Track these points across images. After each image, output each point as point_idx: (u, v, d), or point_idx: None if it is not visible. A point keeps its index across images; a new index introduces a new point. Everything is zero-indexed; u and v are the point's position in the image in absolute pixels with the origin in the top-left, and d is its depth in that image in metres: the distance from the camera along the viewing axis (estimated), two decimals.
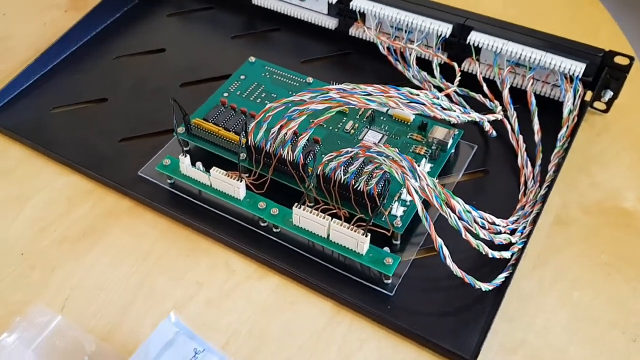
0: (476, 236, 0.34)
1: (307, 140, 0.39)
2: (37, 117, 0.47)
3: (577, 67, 0.43)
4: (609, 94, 0.46)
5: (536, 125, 0.44)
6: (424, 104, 0.36)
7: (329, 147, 0.42)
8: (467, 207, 0.35)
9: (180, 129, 0.43)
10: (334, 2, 0.51)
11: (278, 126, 0.38)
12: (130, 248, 0.40)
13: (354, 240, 0.36)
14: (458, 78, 0.44)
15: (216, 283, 0.38)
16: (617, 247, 0.40)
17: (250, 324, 0.36)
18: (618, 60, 0.44)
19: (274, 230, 0.39)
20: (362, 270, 0.37)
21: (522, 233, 0.38)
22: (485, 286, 0.34)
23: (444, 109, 0.37)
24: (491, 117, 0.40)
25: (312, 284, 0.37)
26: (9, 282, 0.38)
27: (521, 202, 0.40)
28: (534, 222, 0.38)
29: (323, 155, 0.38)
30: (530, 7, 0.58)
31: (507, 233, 0.37)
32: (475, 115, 0.38)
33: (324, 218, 0.36)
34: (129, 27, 0.55)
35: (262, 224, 0.40)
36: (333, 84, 0.41)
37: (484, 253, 0.34)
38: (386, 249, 0.37)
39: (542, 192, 0.40)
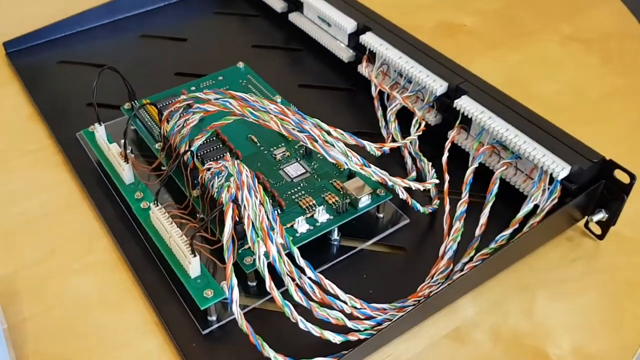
0: (288, 295, 0.28)
1: (221, 146, 0.36)
2: (43, 64, 0.50)
3: (561, 167, 0.35)
4: (602, 214, 0.36)
5: (483, 218, 0.36)
6: (312, 137, 0.32)
7: (248, 163, 0.38)
8: (303, 262, 0.29)
9: (127, 105, 0.43)
10: (350, 33, 0.47)
11: (183, 119, 0.36)
12: (34, 189, 0.41)
13: (184, 257, 0.32)
14: (413, 136, 0.38)
15: (69, 256, 0.37)
16: None
17: (69, 306, 0.34)
18: (617, 174, 0.35)
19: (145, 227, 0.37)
20: (191, 297, 0.33)
21: (377, 324, 0.31)
22: (279, 357, 0.28)
23: (337, 150, 0.32)
24: (399, 181, 0.33)
25: (147, 291, 0.34)
26: None
27: (412, 296, 0.33)
28: (401, 319, 0.30)
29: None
30: (590, 103, 0.48)
31: (357, 317, 0.30)
32: (372, 171, 0.32)
33: (170, 224, 0.33)
34: (174, 14, 0.56)
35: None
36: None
37: (292, 319, 0.28)
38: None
39: (439, 290, 0.32)
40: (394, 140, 0.40)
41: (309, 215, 0.35)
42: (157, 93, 0.44)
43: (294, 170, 0.38)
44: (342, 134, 0.34)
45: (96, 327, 0.33)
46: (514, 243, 0.34)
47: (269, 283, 0.28)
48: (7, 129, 0.45)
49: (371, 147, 0.36)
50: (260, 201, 0.29)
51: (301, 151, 0.39)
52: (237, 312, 0.27)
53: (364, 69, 0.46)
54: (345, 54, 0.48)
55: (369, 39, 0.45)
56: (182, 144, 0.36)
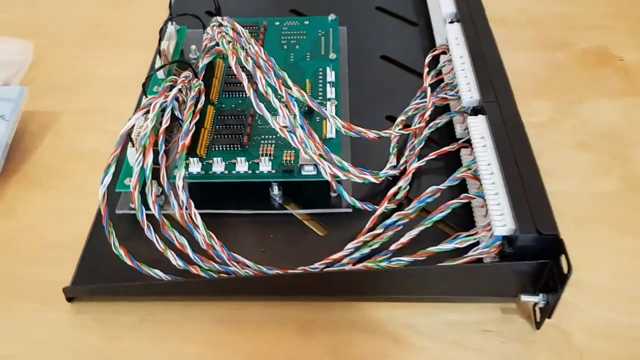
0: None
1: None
2: None
3: (502, 223, 0.30)
4: (537, 298, 0.30)
5: (407, 237, 0.32)
6: (254, 80, 0.33)
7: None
8: (180, 183, 0.31)
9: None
10: (446, 19, 0.44)
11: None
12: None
13: None
14: (394, 131, 0.35)
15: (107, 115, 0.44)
16: None
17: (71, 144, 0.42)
18: (563, 260, 0.28)
19: None
20: None
21: (225, 271, 0.31)
22: (121, 250, 0.31)
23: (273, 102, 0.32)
24: (321, 162, 0.32)
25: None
26: None
27: (284, 270, 0.32)
28: (249, 279, 0.31)
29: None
30: None
31: (211, 256, 0.31)
32: (290, 135, 0.31)
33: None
34: None
35: None
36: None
37: (141, 223, 0.31)
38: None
39: (303, 275, 0.31)
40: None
41: (256, 161, 0.36)
42: (253, 18, 0.48)
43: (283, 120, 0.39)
44: (304, 97, 0.34)
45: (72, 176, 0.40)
46: (401, 271, 0.31)
47: (134, 182, 0.31)
48: (136, 13, 0.54)
49: (337, 123, 0.35)
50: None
51: (305, 108, 0.40)
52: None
53: (430, 55, 0.43)
54: (439, 38, 0.46)
55: (450, 30, 0.42)
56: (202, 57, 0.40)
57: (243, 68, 0.34)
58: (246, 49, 0.35)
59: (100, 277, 0.33)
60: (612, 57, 0.48)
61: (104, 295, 0.33)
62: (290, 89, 0.34)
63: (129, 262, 0.31)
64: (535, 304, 0.31)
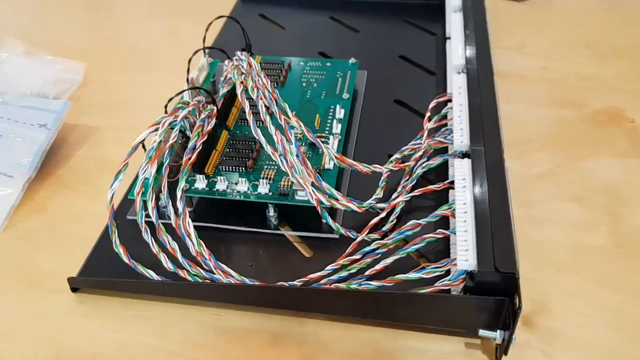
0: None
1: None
2: (251, 12, 0.63)
3: (465, 258, 0.32)
4: (494, 334, 0.31)
5: (381, 265, 0.35)
6: (256, 109, 0.36)
7: None
8: (179, 194, 0.35)
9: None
10: (456, 68, 0.47)
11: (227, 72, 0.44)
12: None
13: None
14: (384, 167, 0.38)
15: None
16: None
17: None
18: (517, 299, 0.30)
19: None
20: None
21: (210, 278, 0.34)
22: (120, 248, 0.35)
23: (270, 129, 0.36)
24: (309, 188, 0.35)
25: None
26: None
27: (263, 283, 0.35)
28: (230, 287, 0.34)
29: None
30: None
31: (199, 263, 0.35)
32: (280, 160, 0.34)
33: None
34: (367, 11, 0.62)
35: None
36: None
37: (140, 226, 0.34)
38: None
39: (281, 289, 0.34)
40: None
41: (256, 183, 0.39)
42: (282, 57, 0.52)
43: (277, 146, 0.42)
44: (302, 127, 0.37)
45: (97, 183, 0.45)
46: (366, 294, 0.33)
47: (138, 189, 0.35)
48: (179, 44, 0.58)
49: (330, 154, 0.38)
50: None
51: (309, 141, 0.43)
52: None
53: (435, 101, 0.45)
54: (450, 87, 0.48)
55: (456, 79, 0.45)
56: (221, 86, 0.44)
57: (250, 99, 0.38)
58: (255, 81, 0.38)
59: (104, 272, 0.37)
60: (623, 119, 0.50)
61: (103, 288, 0.36)
62: (290, 118, 0.37)
63: (126, 260, 0.35)
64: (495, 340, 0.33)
